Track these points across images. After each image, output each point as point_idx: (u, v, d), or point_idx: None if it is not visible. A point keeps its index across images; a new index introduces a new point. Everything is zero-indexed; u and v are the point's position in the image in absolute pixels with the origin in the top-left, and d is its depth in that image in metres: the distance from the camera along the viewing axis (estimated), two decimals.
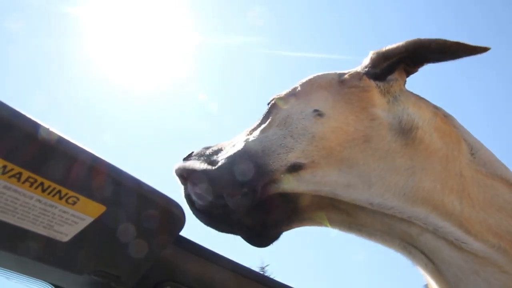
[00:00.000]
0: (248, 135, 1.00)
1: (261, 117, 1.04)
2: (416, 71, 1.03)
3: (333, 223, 0.98)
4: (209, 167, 0.96)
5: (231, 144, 1.00)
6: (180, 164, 1.03)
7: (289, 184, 0.90)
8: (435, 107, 0.99)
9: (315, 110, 0.93)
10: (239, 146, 0.96)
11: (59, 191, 0.72)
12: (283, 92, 1.05)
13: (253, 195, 0.88)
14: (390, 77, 0.98)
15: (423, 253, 0.86)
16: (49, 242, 0.78)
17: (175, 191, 1.06)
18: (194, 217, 1.00)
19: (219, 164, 0.95)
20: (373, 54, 1.01)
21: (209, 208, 0.94)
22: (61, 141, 0.67)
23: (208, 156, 1.00)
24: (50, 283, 0.99)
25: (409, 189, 0.84)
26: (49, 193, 0.71)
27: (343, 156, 0.88)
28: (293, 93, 1.03)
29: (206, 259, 1.02)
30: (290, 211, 0.96)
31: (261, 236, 0.97)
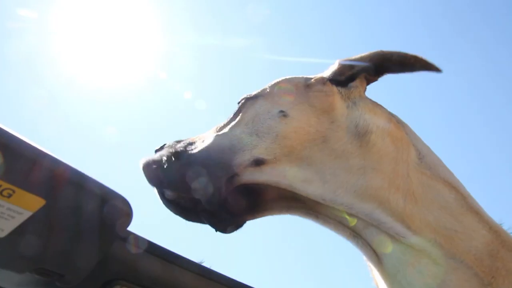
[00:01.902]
0: (217, 131, 1.06)
1: (231, 114, 1.10)
2: (376, 80, 1.12)
3: (294, 212, 1.05)
4: (176, 164, 1.00)
5: (201, 139, 1.06)
6: (147, 159, 1.06)
7: (251, 176, 0.96)
8: (390, 114, 1.07)
9: (281, 111, 1.00)
10: (209, 141, 1.02)
11: None
12: (253, 92, 1.12)
13: (219, 193, 0.94)
14: (351, 84, 1.06)
15: (368, 244, 0.92)
16: None
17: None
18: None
19: (188, 159, 1.00)
20: (340, 62, 1.09)
21: (178, 199, 1.01)
22: None
23: (177, 150, 1.05)
24: None
25: (359, 186, 0.91)
26: None
27: (303, 154, 0.95)
28: (262, 94, 1.09)
29: (157, 256, 1.00)
30: (253, 202, 1.02)
31: (225, 223, 1.02)
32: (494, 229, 0.88)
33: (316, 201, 0.93)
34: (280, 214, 1.07)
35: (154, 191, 1.04)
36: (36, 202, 0.74)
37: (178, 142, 1.07)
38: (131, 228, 0.92)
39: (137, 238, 0.97)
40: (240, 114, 1.07)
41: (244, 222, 1.04)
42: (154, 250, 1.00)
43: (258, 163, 0.94)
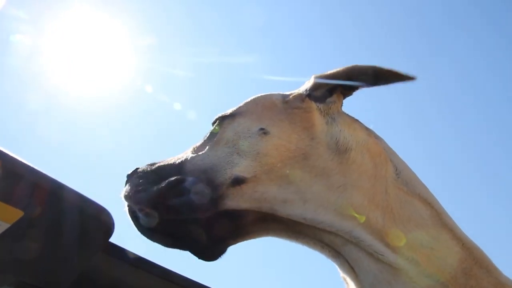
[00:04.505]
0: (194, 152, 1.03)
1: (206, 135, 1.07)
2: (351, 94, 1.12)
3: (274, 234, 1.04)
4: (151, 189, 0.94)
5: (178, 160, 1.02)
6: (126, 189, 0.98)
7: (234, 200, 0.93)
8: (368, 130, 1.07)
9: (261, 129, 0.99)
10: (187, 164, 0.98)
11: None
12: (228, 111, 1.10)
13: (204, 211, 0.91)
14: (329, 99, 1.06)
15: (347, 261, 0.92)
16: None
17: None
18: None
19: (169, 181, 0.94)
20: (315, 77, 1.08)
21: (155, 226, 0.94)
22: None
23: (151, 176, 0.99)
24: None
25: (339, 204, 0.91)
26: None
27: (283, 172, 0.94)
28: (239, 112, 1.07)
29: (140, 268, 0.99)
30: (235, 226, 1.00)
31: (208, 250, 1.00)
32: (467, 246, 0.89)
33: (297, 221, 0.93)
34: (261, 236, 1.05)
35: (130, 219, 0.96)
36: (13, 214, 0.73)
37: (151, 165, 1.02)
38: (115, 239, 0.91)
39: (120, 249, 0.96)
40: (218, 134, 1.04)
41: (227, 248, 1.02)
42: (137, 262, 0.99)
43: (239, 182, 0.92)
